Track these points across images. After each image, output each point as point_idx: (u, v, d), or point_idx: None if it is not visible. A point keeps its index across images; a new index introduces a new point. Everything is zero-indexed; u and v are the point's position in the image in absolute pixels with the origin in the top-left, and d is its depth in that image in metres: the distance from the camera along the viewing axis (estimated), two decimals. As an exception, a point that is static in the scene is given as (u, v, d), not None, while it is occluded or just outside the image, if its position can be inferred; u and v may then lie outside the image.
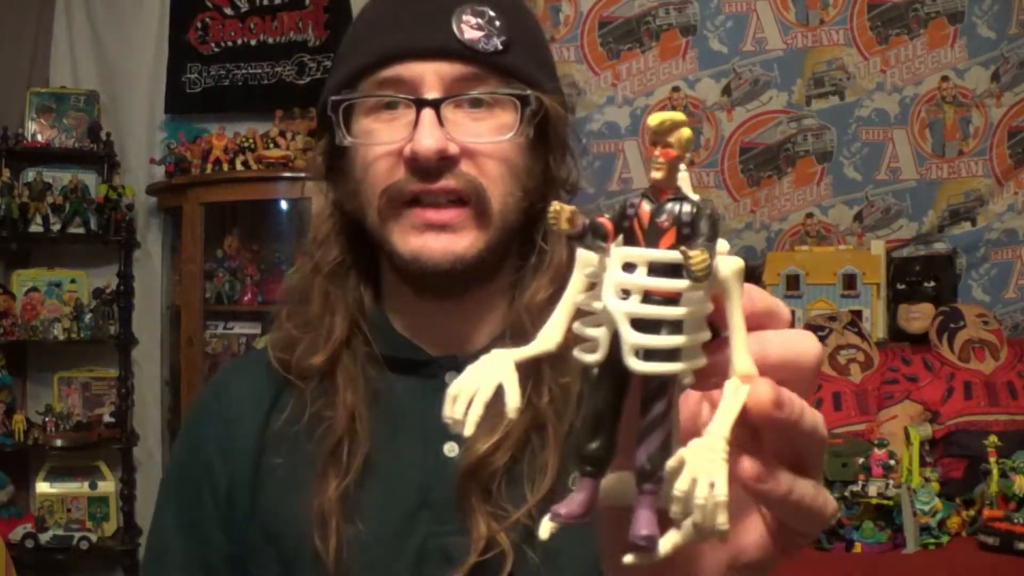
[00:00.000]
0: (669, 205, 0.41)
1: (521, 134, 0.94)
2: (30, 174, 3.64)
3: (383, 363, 0.98)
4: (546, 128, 0.97)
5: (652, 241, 0.41)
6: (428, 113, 0.91)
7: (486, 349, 0.95)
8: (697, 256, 0.38)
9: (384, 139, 0.94)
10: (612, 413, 0.41)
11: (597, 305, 0.41)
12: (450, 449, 0.95)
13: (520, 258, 0.99)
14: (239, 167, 3.46)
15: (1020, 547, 2.27)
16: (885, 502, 2.39)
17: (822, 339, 3.01)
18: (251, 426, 0.98)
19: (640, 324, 0.39)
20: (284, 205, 3.63)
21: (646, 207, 0.41)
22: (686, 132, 0.41)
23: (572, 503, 0.41)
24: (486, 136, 0.93)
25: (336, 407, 0.95)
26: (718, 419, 0.40)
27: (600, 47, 3.50)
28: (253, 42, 3.73)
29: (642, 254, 0.40)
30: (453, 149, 0.91)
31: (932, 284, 3.16)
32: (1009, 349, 2.94)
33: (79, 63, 3.79)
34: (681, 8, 3.48)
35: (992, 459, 2.46)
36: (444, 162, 0.91)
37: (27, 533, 3.36)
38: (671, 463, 0.39)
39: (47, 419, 3.58)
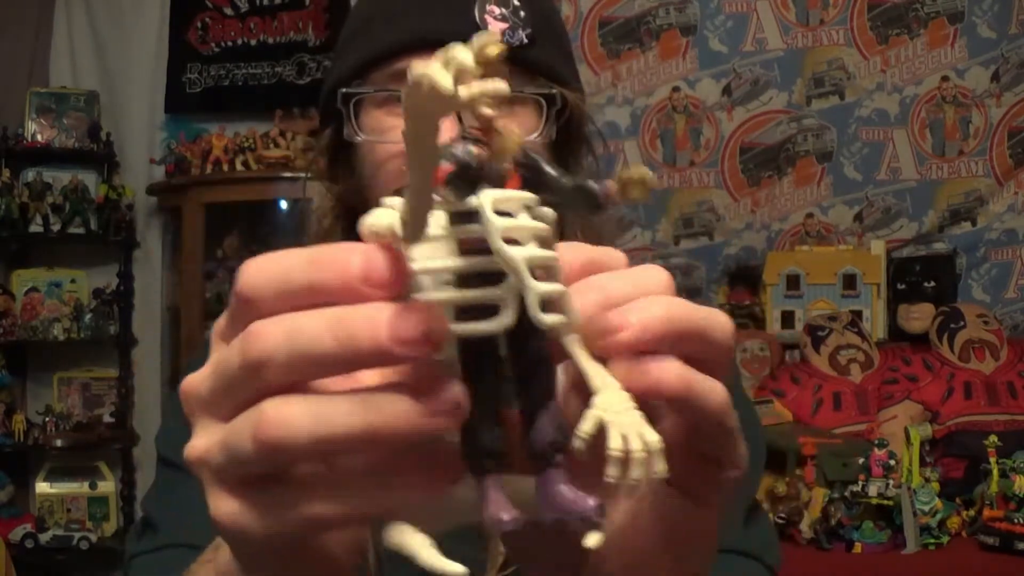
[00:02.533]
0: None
1: (545, 135, 0.88)
2: (30, 174, 3.63)
3: None
4: (569, 125, 0.92)
5: (497, 185, 0.36)
6: None
7: None
8: (644, 171, 0.36)
9: (398, 137, 0.89)
10: (499, 393, 0.36)
11: (442, 262, 0.35)
12: None
13: None
14: (239, 167, 3.46)
15: (1020, 547, 2.26)
16: (885, 502, 2.39)
17: (822, 339, 3.01)
18: None
19: (535, 274, 0.34)
20: (284, 205, 3.63)
21: (484, 152, 0.36)
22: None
23: (505, 505, 0.36)
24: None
25: None
26: (593, 371, 0.36)
27: (600, 47, 3.50)
28: (253, 42, 3.73)
29: (515, 195, 0.36)
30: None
31: (932, 284, 3.16)
32: (1009, 349, 2.94)
33: (79, 63, 3.79)
34: (681, 8, 3.48)
35: (992, 459, 2.46)
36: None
37: (27, 533, 3.36)
38: (587, 427, 0.35)
39: (47, 419, 3.58)
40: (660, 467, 0.35)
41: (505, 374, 0.37)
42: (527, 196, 0.36)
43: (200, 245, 3.48)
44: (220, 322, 0.39)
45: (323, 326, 0.34)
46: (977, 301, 3.24)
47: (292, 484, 0.36)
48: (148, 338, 3.76)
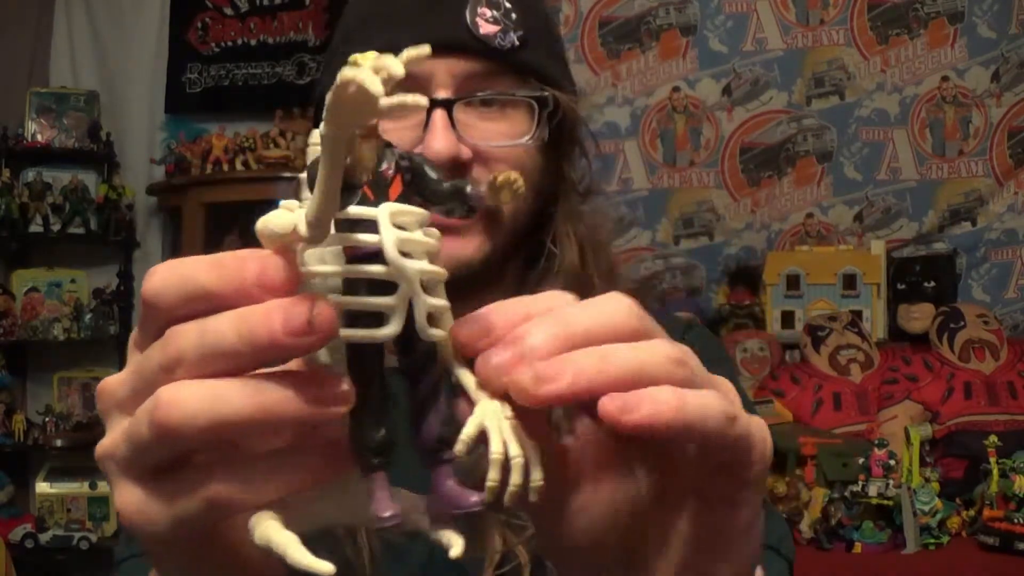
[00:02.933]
0: (387, 153, 0.37)
1: (537, 138, 0.89)
2: (30, 174, 3.63)
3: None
4: (561, 127, 0.92)
5: (383, 193, 0.37)
6: (439, 115, 0.85)
7: None
8: (513, 175, 0.37)
9: (391, 140, 0.89)
10: (386, 393, 0.38)
11: (336, 268, 0.36)
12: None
13: (528, 261, 0.94)
14: (239, 167, 3.46)
15: (1020, 547, 2.26)
16: (885, 502, 2.39)
17: (822, 339, 3.01)
18: None
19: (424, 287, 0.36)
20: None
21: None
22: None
23: (387, 503, 0.38)
24: (500, 139, 0.87)
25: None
26: (469, 382, 0.38)
27: (600, 47, 3.50)
28: (253, 42, 3.73)
29: (412, 210, 0.37)
30: (466, 154, 0.85)
31: (932, 284, 3.16)
32: (1009, 349, 2.94)
33: (79, 63, 3.79)
34: (681, 8, 3.48)
35: (992, 459, 2.46)
36: (456, 168, 0.85)
37: (27, 533, 3.36)
38: (470, 431, 0.36)
39: (47, 419, 3.58)
40: (536, 476, 0.37)
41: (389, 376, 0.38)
42: (420, 212, 0.37)
43: (200, 245, 3.48)
44: (135, 332, 0.41)
45: (227, 324, 0.36)
46: (977, 301, 3.24)
47: (190, 469, 0.38)
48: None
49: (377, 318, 0.36)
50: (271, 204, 0.37)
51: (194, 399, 0.36)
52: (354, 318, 0.36)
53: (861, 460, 2.46)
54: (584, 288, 0.91)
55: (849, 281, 3.17)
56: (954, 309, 3.05)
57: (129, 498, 0.39)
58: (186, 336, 0.36)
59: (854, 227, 3.39)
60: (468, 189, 0.39)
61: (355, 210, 0.36)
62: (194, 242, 3.47)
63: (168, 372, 0.37)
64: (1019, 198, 3.30)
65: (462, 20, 0.86)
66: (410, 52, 0.34)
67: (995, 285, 3.30)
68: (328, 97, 0.32)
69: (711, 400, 0.39)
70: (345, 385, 0.36)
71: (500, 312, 0.39)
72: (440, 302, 0.37)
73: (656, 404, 0.37)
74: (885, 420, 2.82)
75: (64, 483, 3.61)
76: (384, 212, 0.35)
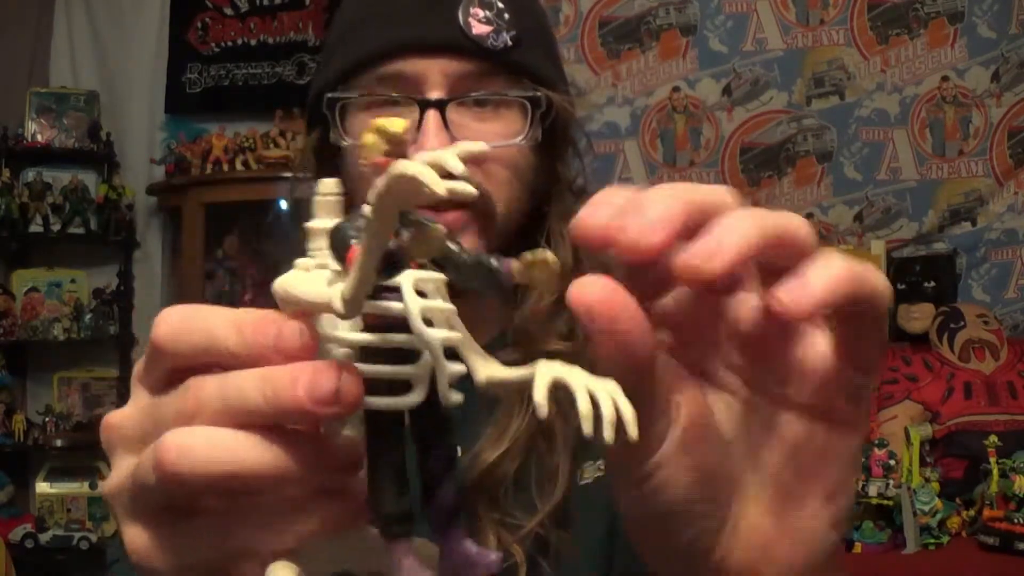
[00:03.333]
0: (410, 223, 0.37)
1: (530, 138, 0.89)
2: (30, 174, 3.64)
3: None
4: (554, 127, 0.92)
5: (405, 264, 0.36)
6: (432, 116, 0.85)
7: (487, 348, 0.92)
8: (551, 256, 0.36)
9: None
10: (404, 462, 0.37)
11: (362, 336, 0.36)
12: None
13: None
14: (239, 167, 3.47)
15: (1020, 547, 2.26)
16: (885, 502, 2.39)
17: (822, 339, 3.01)
18: None
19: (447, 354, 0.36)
20: (284, 205, 3.63)
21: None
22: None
23: (418, 570, 0.37)
24: (493, 139, 0.87)
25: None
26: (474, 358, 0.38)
27: (600, 47, 3.50)
28: (253, 42, 3.73)
29: (432, 276, 0.37)
30: None
31: (932, 284, 3.16)
32: (1009, 349, 2.94)
33: (79, 63, 3.79)
34: (681, 8, 3.48)
35: (992, 459, 2.46)
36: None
37: (27, 533, 3.36)
38: (546, 387, 0.35)
39: (47, 419, 3.58)
40: (632, 431, 0.34)
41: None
42: (438, 277, 0.37)
43: (200, 245, 3.48)
44: (139, 366, 0.41)
45: (252, 383, 0.35)
46: (977, 301, 3.24)
47: (202, 514, 0.37)
48: (148, 338, 3.75)
49: (395, 386, 0.36)
50: (271, 204, 0.37)
51: (203, 448, 0.35)
52: (372, 385, 0.36)
53: (861, 460, 2.46)
54: None
55: (849, 281, 3.17)
56: (954, 309, 3.05)
57: (137, 539, 0.39)
58: (207, 389, 0.36)
59: (854, 227, 3.39)
60: (495, 264, 0.37)
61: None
62: (194, 242, 3.48)
63: (183, 420, 0.36)
64: (1019, 198, 3.30)
65: (455, 20, 0.86)
66: (468, 148, 0.34)
67: (995, 285, 3.30)
68: (380, 184, 0.32)
69: (868, 265, 0.37)
70: (356, 451, 0.37)
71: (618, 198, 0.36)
72: (461, 368, 0.36)
73: (841, 270, 0.35)
74: (885, 420, 2.82)
75: (64, 483, 3.61)
76: (408, 280, 0.35)
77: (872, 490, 2.39)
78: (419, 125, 0.85)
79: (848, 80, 3.41)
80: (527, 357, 0.89)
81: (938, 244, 3.32)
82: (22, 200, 3.57)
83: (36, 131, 3.66)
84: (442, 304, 0.36)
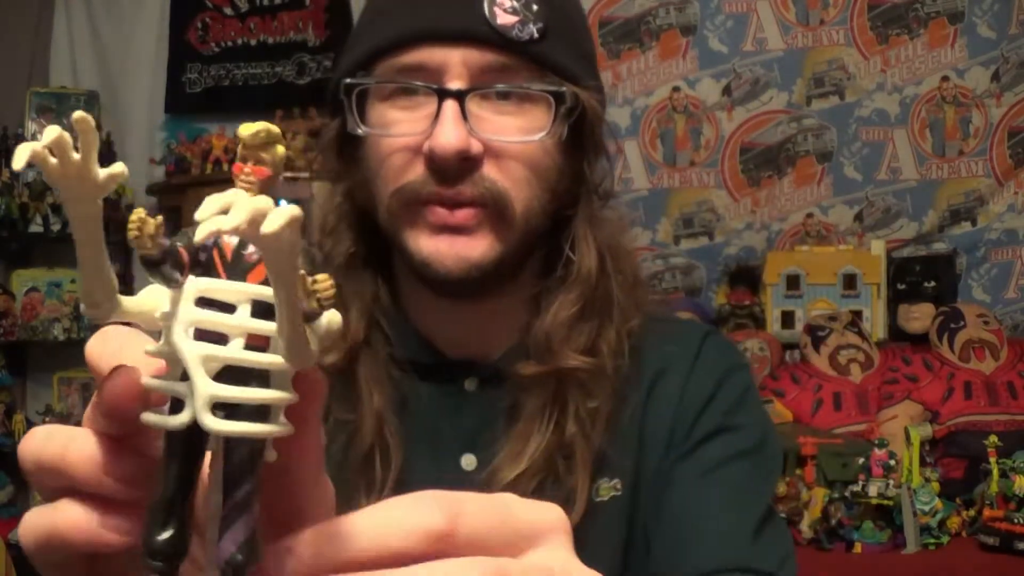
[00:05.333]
0: None
1: (553, 135, 0.85)
2: (30, 174, 3.63)
3: (407, 365, 0.90)
4: (581, 126, 0.88)
5: (238, 276, 0.33)
6: (451, 106, 0.81)
7: (505, 356, 0.90)
8: (324, 281, 0.32)
9: (401, 131, 0.84)
10: (184, 492, 0.33)
11: (155, 347, 0.34)
12: (468, 463, 0.89)
13: (545, 265, 0.90)
14: (239, 167, 3.46)
15: (1020, 547, 2.26)
16: (885, 502, 2.39)
17: (822, 339, 3.01)
18: None
19: (224, 375, 0.32)
20: (283, 205, 3.63)
21: (228, 237, 0.33)
22: (281, 149, 0.35)
23: None
24: (514, 135, 0.83)
25: (361, 412, 0.87)
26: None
27: (600, 47, 3.49)
28: (253, 42, 3.73)
29: (229, 287, 0.33)
30: (476, 148, 0.82)
31: (932, 284, 3.16)
32: (1009, 349, 2.94)
33: (79, 63, 3.79)
34: (681, 8, 3.48)
35: (992, 459, 2.46)
36: (465, 163, 0.82)
37: (27, 533, 3.36)
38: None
39: (47, 419, 3.58)
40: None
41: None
42: (252, 290, 0.33)
43: (200, 245, 3.48)
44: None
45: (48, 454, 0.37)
46: (977, 301, 3.24)
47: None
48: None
49: (174, 404, 0.33)
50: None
51: (32, 434, 0.38)
52: (174, 404, 0.33)
53: (861, 460, 2.46)
54: (602, 298, 0.89)
55: (849, 281, 3.17)
56: (954, 309, 3.04)
57: None
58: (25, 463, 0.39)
59: (854, 227, 3.39)
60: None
61: (159, 288, 0.34)
62: (194, 242, 3.47)
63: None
64: (1019, 198, 3.30)
65: (479, 9, 0.83)
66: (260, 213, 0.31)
67: (995, 285, 3.30)
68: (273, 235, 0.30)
69: None
70: (135, 466, 0.35)
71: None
72: (231, 391, 0.31)
73: None
74: (885, 420, 2.82)
75: (64, 483, 3.61)
76: (191, 287, 0.33)
77: (872, 490, 2.39)
78: (436, 115, 0.82)
79: (848, 80, 3.41)
80: (547, 371, 0.86)
81: (938, 244, 3.32)
82: (22, 200, 3.57)
83: (36, 131, 3.66)
84: (242, 320, 0.32)
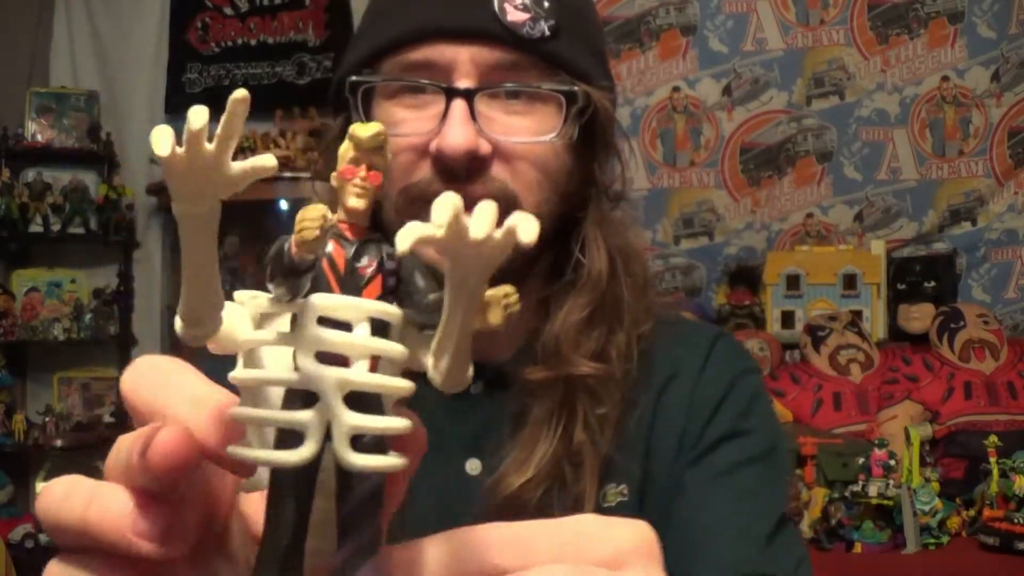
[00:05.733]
0: (372, 246, 0.31)
1: (563, 135, 0.83)
2: (30, 174, 3.63)
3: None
4: (592, 126, 0.86)
5: (353, 291, 0.30)
6: (459, 105, 0.79)
7: (512, 360, 0.89)
8: (513, 293, 0.30)
9: (408, 131, 0.82)
10: (300, 538, 0.30)
11: (265, 373, 0.31)
12: (473, 467, 0.87)
13: (554, 268, 0.89)
14: (239, 167, 3.46)
15: (1020, 547, 2.26)
16: (885, 502, 2.39)
17: (822, 339, 3.01)
18: None
19: (352, 401, 0.29)
20: (284, 205, 3.63)
21: (342, 247, 0.31)
22: (390, 156, 0.32)
23: None
24: (524, 135, 0.81)
25: None
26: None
27: (600, 47, 3.49)
28: (253, 42, 3.73)
29: (350, 304, 0.30)
30: (484, 148, 0.80)
31: (932, 284, 3.16)
32: (1009, 349, 2.94)
33: (79, 63, 3.79)
34: (681, 8, 3.48)
35: (992, 459, 2.46)
36: (474, 163, 0.80)
37: (27, 533, 3.36)
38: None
39: (47, 419, 3.58)
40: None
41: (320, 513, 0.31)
42: (371, 306, 0.30)
43: (200, 245, 3.48)
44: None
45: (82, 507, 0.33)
46: (977, 301, 3.24)
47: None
48: (148, 338, 3.76)
49: (287, 437, 0.29)
50: (271, 204, 0.36)
51: (49, 490, 0.34)
52: (280, 437, 0.30)
53: (861, 460, 2.46)
54: (612, 302, 0.88)
55: (849, 281, 3.17)
56: (954, 309, 3.04)
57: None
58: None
59: (854, 227, 3.39)
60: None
61: (268, 304, 0.31)
62: (194, 242, 3.47)
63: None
64: (1019, 198, 3.30)
65: (488, 6, 0.81)
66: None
67: (995, 285, 3.30)
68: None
69: None
70: (171, 521, 0.30)
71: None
72: (371, 422, 0.29)
73: None
74: (885, 420, 2.82)
75: (64, 483, 3.61)
76: (311, 304, 0.29)
77: (872, 490, 2.39)
78: (444, 114, 0.80)
79: (848, 80, 3.41)
80: (555, 376, 0.84)
81: (938, 244, 3.32)
82: (22, 200, 3.57)
83: (36, 131, 3.66)
84: (364, 340, 0.29)
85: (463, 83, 0.81)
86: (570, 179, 0.85)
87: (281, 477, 0.30)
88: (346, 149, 0.31)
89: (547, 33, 0.82)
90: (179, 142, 0.27)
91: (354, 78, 0.84)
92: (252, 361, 0.32)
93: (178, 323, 0.31)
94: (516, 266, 0.85)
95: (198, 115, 0.28)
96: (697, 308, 3.21)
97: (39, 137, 3.66)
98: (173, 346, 3.71)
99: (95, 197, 3.63)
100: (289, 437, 0.29)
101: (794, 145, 3.43)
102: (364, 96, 0.84)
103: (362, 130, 0.31)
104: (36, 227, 3.61)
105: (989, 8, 3.32)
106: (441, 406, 0.88)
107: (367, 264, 0.31)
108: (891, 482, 2.40)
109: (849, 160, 3.41)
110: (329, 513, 0.30)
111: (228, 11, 3.74)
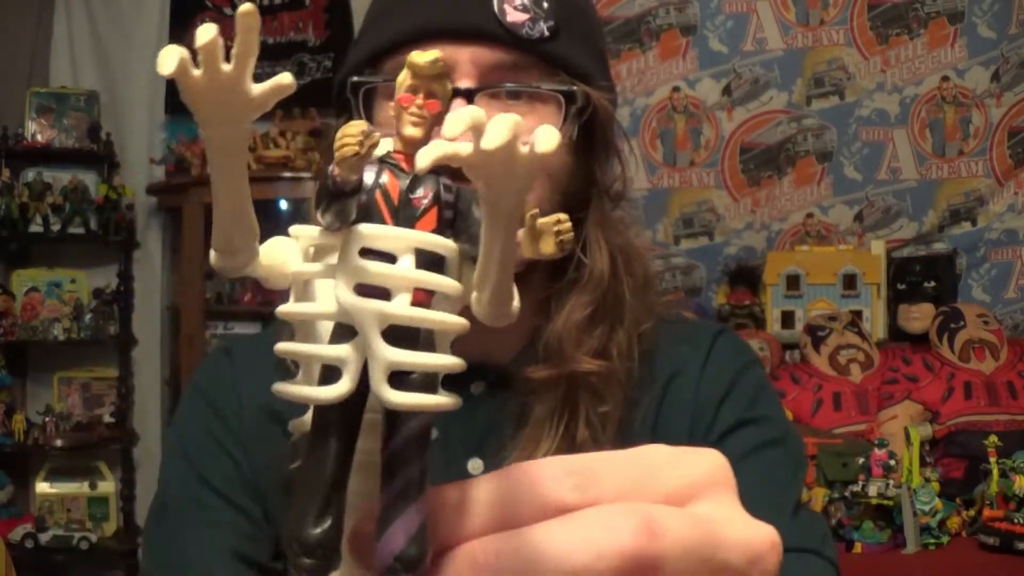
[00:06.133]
0: (430, 178, 0.30)
1: (564, 135, 0.83)
2: (30, 174, 3.63)
3: None
4: (592, 126, 0.86)
5: (406, 223, 0.30)
6: (459, 105, 0.82)
7: (514, 360, 0.89)
8: (566, 221, 0.29)
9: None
10: (342, 476, 0.29)
11: (314, 307, 0.30)
12: (475, 467, 0.87)
13: (555, 267, 0.89)
14: (239, 167, 3.46)
15: (1020, 547, 2.26)
16: (885, 502, 2.39)
17: (822, 339, 3.01)
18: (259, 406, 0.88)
19: (397, 337, 0.28)
20: (284, 205, 3.64)
21: (396, 178, 0.30)
22: (451, 85, 0.31)
23: None
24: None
25: None
26: None
27: (600, 47, 3.49)
28: (253, 42, 3.73)
29: (398, 234, 0.29)
30: None
31: (932, 284, 3.16)
32: (1009, 349, 2.94)
33: (79, 63, 3.79)
34: (681, 8, 3.48)
35: (992, 459, 2.46)
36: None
37: (27, 533, 3.36)
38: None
39: (47, 419, 3.58)
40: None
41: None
42: (418, 237, 0.29)
43: (200, 245, 3.48)
44: None
45: None
46: (977, 301, 3.24)
47: None
48: (148, 338, 3.76)
49: (328, 373, 0.29)
50: (271, 204, 0.36)
51: None
52: (325, 374, 0.29)
53: (861, 460, 2.46)
54: (614, 301, 0.88)
55: (849, 281, 3.17)
56: (954, 309, 3.04)
57: None
58: None
59: (854, 227, 3.39)
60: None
61: (314, 234, 0.30)
62: (194, 242, 3.47)
63: None
64: (1019, 198, 3.30)
65: (488, 6, 0.82)
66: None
67: (995, 285, 3.30)
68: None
69: None
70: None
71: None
72: (411, 358, 0.28)
73: None
74: (885, 420, 2.82)
75: (64, 483, 3.61)
76: (355, 235, 0.28)
77: (872, 490, 2.39)
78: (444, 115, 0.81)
79: (848, 80, 3.41)
80: (558, 374, 0.84)
81: (938, 244, 3.32)
82: (22, 200, 3.57)
83: (36, 131, 3.66)
84: (407, 271, 0.29)
85: (464, 83, 0.81)
86: (571, 178, 0.86)
87: (323, 414, 0.29)
88: (404, 78, 0.30)
89: (546, 33, 0.83)
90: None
91: (355, 78, 0.84)
92: (303, 295, 0.31)
93: (212, 254, 0.29)
94: (518, 268, 0.85)
95: (206, 31, 0.27)
96: (698, 308, 3.21)
97: (39, 137, 3.66)
98: (173, 346, 3.72)
99: (95, 197, 3.63)
100: (330, 373, 0.28)
101: (794, 145, 3.43)
102: (366, 96, 0.85)
103: (420, 57, 0.30)
104: (36, 227, 3.61)
105: (989, 8, 3.32)
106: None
107: (422, 195, 0.30)
108: (891, 482, 2.40)
109: (849, 160, 3.41)
110: (375, 455, 0.29)
111: (228, 11, 3.74)
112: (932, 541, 2.38)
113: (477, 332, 1.00)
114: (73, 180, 3.63)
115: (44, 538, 3.38)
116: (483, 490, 0.31)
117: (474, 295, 0.29)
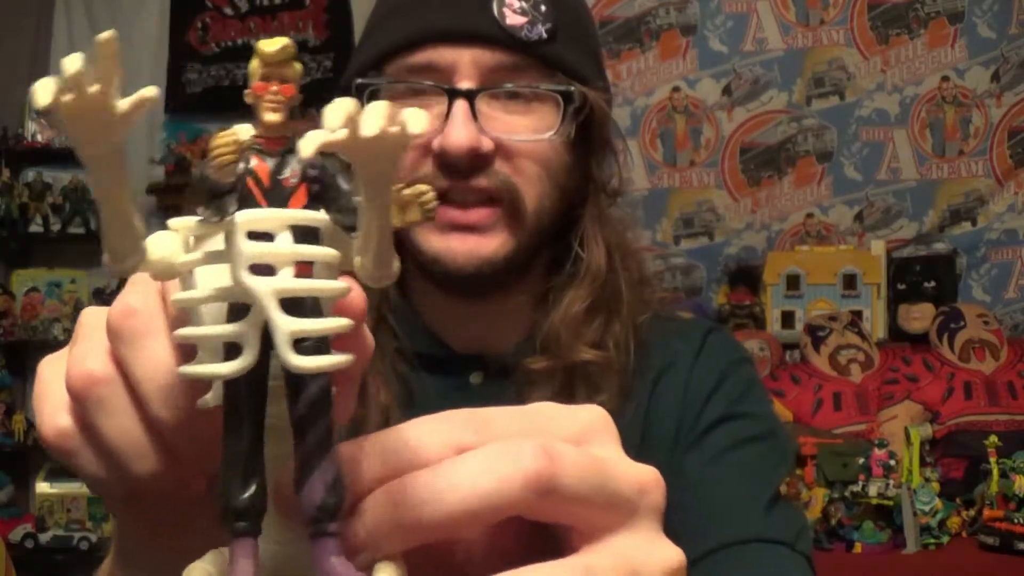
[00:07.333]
0: (294, 157, 0.32)
1: (561, 134, 0.86)
2: (30, 174, 3.64)
3: (413, 360, 0.91)
4: (589, 126, 0.90)
5: (279, 203, 0.31)
6: (461, 105, 0.83)
7: (513, 351, 0.90)
8: (429, 190, 0.32)
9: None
10: (258, 443, 0.31)
11: (197, 293, 0.32)
12: None
13: (554, 262, 0.92)
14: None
15: (1020, 547, 2.27)
16: (885, 502, 2.39)
17: (822, 339, 3.01)
18: None
19: (288, 307, 0.30)
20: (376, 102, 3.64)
21: (264, 161, 0.32)
22: (299, 66, 0.32)
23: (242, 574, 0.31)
24: (523, 133, 0.85)
25: (368, 407, 0.88)
26: None
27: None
28: (253, 42, 3.71)
29: (275, 215, 0.31)
30: (487, 146, 0.84)
31: (932, 284, 3.17)
32: (1009, 349, 2.94)
33: (79, 63, 3.79)
34: (681, 8, 3.48)
35: (992, 459, 2.46)
36: (476, 160, 0.83)
37: (27, 533, 3.36)
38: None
39: (47, 419, 3.58)
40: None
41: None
42: (290, 215, 0.31)
43: (200, 245, 3.48)
44: None
45: None
46: (977, 301, 3.24)
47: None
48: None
49: (230, 349, 0.30)
50: None
51: None
52: (229, 350, 0.31)
53: (861, 460, 2.46)
54: (611, 295, 0.91)
55: (849, 281, 3.17)
56: (954, 309, 3.05)
57: None
58: None
59: (854, 227, 3.39)
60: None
61: (197, 223, 0.33)
62: (194, 242, 3.48)
63: None
64: (1019, 198, 3.30)
65: (488, 10, 0.85)
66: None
67: (995, 285, 3.30)
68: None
69: None
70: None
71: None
72: (312, 325, 0.30)
73: None
74: (885, 420, 2.82)
75: (64, 483, 3.61)
76: (239, 220, 0.30)
77: (872, 490, 2.39)
78: (447, 115, 0.83)
79: (848, 80, 3.41)
80: (556, 365, 0.85)
81: (938, 244, 3.32)
82: (22, 200, 3.58)
83: (36, 131, 3.67)
84: (287, 247, 0.30)
85: (465, 84, 0.84)
86: (569, 175, 0.89)
87: (233, 389, 0.31)
88: (256, 67, 0.32)
89: (544, 36, 0.86)
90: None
91: (360, 80, 0.87)
92: (190, 283, 0.33)
93: (105, 257, 0.32)
94: (517, 263, 0.88)
95: (72, 60, 0.29)
96: (697, 308, 3.21)
97: (39, 137, 3.66)
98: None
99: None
100: (232, 350, 0.30)
101: (794, 145, 3.43)
102: (370, 98, 0.87)
103: (268, 45, 0.32)
104: (36, 227, 3.61)
105: (989, 8, 3.32)
106: (442, 397, 0.89)
107: (290, 175, 0.32)
108: (891, 482, 2.40)
109: (849, 160, 3.41)
110: (283, 419, 0.31)
111: (228, 11, 3.74)
112: (932, 541, 2.38)
113: (477, 328, 0.99)
114: (73, 180, 3.63)
115: (44, 538, 3.38)
116: (390, 439, 0.33)
117: (357, 259, 0.32)
